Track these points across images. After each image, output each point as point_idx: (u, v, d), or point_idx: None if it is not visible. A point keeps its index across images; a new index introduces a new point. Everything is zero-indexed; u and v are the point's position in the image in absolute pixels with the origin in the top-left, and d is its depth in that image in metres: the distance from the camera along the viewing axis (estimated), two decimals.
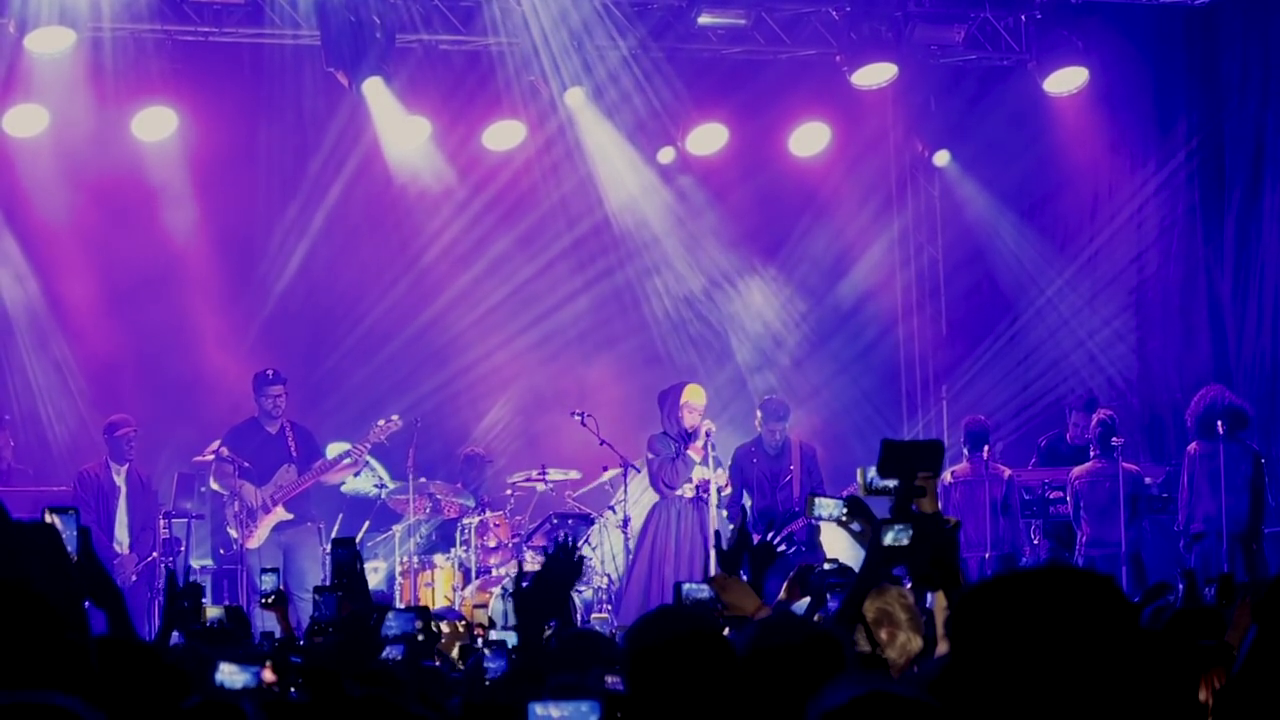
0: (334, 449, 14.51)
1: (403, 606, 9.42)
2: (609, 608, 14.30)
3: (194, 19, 15.21)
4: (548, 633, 5.54)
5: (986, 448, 14.42)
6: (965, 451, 14.68)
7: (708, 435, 13.59)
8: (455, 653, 7.37)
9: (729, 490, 13.92)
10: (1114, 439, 14.08)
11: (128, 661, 4.10)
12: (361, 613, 5.26)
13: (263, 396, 14.13)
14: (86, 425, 15.53)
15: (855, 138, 17.16)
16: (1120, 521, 13.92)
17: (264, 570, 8.21)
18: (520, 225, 16.94)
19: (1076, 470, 14.35)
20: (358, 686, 3.46)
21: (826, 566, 6.72)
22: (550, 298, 17.04)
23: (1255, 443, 14.17)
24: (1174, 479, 14.37)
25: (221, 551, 14.78)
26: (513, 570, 14.00)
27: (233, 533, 13.97)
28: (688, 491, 13.65)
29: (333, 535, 13.53)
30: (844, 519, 5.76)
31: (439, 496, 14.97)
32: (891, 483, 5.24)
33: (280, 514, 13.92)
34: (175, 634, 6.78)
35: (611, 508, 14.77)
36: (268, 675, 3.77)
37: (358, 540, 13.98)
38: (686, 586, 6.44)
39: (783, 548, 13.84)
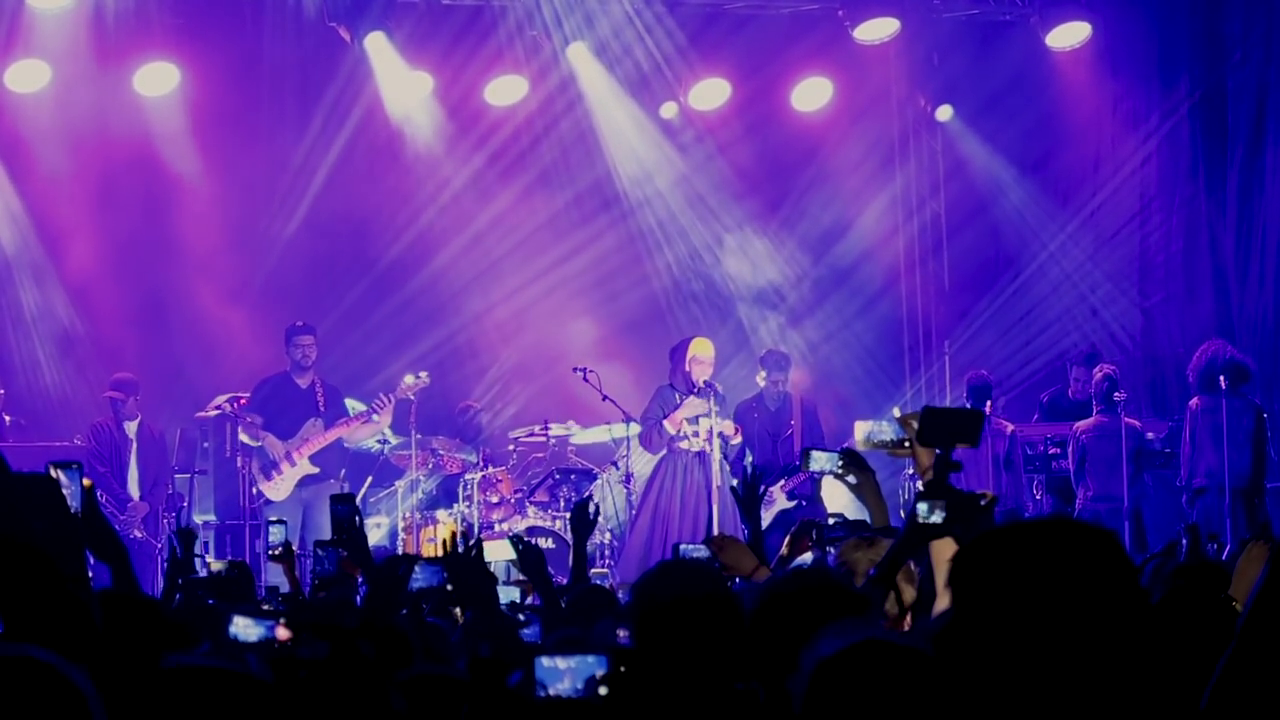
0: (349, 407, 14.50)
1: None
2: (610, 562, 14.34)
3: None
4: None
5: (989, 403, 14.42)
6: (968, 407, 14.67)
7: (708, 386, 13.55)
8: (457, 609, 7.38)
9: (737, 440, 13.88)
10: (1116, 394, 14.08)
11: (131, 615, 4.11)
12: (394, 560, 5.27)
13: (293, 347, 14.17)
14: (89, 380, 15.51)
15: (858, 93, 17.11)
16: (1123, 476, 13.94)
17: (270, 522, 8.20)
18: (521, 180, 16.90)
19: (1080, 425, 14.34)
20: (370, 646, 3.46)
21: (830, 521, 6.74)
22: (552, 253, 17.00)
23: (1257, 397, 14.16)
24: (1176, 434, 14.36)
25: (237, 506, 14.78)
26: (518, 526, 14.03)
27: (261, 483, 13.97)
28: (694, 445, 13.62)
29: (361, 495, 13.54)
30: (839, 472, 5.78)
31: (441, 452, 14.98)
32: (889, 437, 5.25)
33: (306, 467, 13.95)
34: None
35: (614, 463, 14.77)
36: (282, 633, 3.76)
37: (360, 496, 14.08)
38: (684, 547, 6.48)
39: (790, 503, 13.90)
